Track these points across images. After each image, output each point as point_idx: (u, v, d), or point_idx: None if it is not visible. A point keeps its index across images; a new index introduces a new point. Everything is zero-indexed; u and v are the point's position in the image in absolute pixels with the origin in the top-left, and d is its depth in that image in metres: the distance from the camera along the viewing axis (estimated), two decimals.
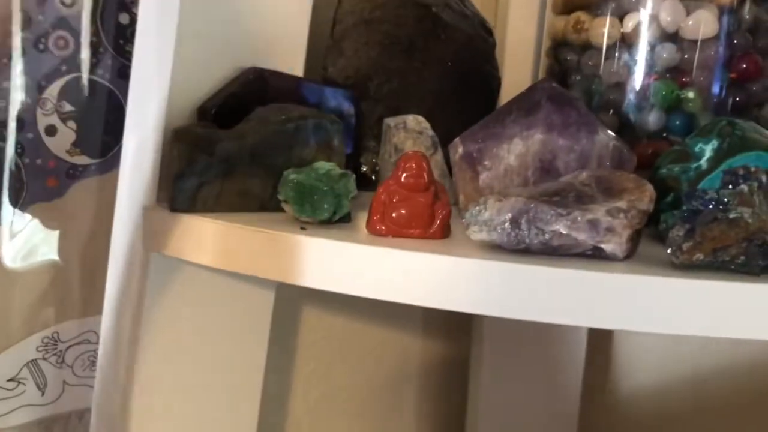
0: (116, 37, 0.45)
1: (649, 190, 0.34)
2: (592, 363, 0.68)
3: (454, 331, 0.72)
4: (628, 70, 0.48)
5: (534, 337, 0.66)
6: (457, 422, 0.71)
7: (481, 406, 0.67)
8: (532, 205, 0.32)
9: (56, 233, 0.45)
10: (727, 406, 0.67)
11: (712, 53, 0.47)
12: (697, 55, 0.47)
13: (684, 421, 0.69)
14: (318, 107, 0.46)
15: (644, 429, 0.71)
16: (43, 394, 0.45)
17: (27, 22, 0.41)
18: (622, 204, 0.33)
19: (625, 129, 0.48)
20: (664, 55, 0.47)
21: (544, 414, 0.68)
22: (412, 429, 0.71)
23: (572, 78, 0.51)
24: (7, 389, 0.43)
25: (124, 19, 0.45)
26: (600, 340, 0.69)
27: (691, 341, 0.66)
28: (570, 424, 0.67)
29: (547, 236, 0.32)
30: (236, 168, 0.39)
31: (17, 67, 0.42)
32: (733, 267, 0.32)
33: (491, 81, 0.53)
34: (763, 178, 0.32)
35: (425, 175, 0.35)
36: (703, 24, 0.46)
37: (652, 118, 0.48)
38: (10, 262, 0.43)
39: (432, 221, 0.36)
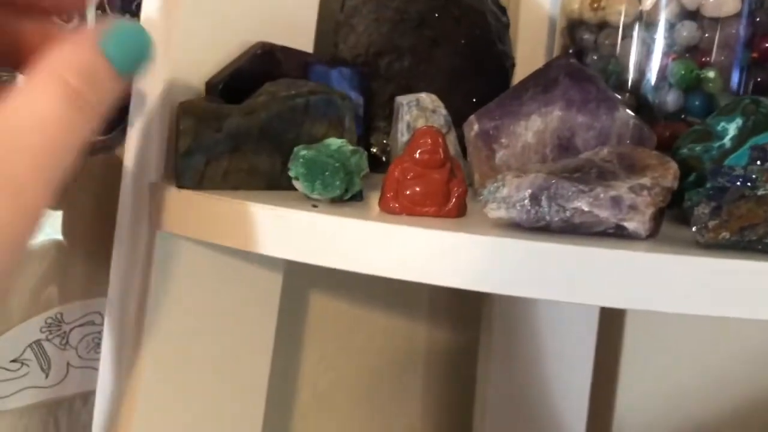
0: (122, 9, 0.44)
1: (673, 167, 0.33)
2: (602, 350, 0.67)
3: (461, 317, 0.71)
4: (647, 49, 0.47)
5: (543, 324, 0.65)
6: (464, 409, 0.70)
7: (489, 392, 0.66)
8: (553, 181, 0.31)
9: (59, 213, 0.44)
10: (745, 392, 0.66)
11: (734, 32, 0.45)
12: (717, 34, 0.46)
13: (697, 405, 0.68)
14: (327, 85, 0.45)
15: (654, 415, 0.70)
16: (47, 376, 0.44)
17: None
18: (645, 181, 0.32)
19: (643, 110, 0.47)
20: (684, 34, 0.46)
21: (553, 401, 0.67)
22: (419, 415, 0.71)
23: (588, 58, 0.50)
24: (11, 370, 0.42)
25: None
26: (611, 326, 0.68)
27: (704, 320, 0.65)
28: (580, 411, 0.66)
29: (568, 213, 0.31)
30: (244, 144, 0.38)
31: None
32: (760, 247, 0.31)
33: (504, 60, 0.52)
34: None
35: (441, 150, 0.34)
36: (725, 1, 0.45)
37: (671, 99, 0.46)
38: None
39: (448, 199, 0.34)
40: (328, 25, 0.49)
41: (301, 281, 0.56)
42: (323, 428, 0.61)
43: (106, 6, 0.44)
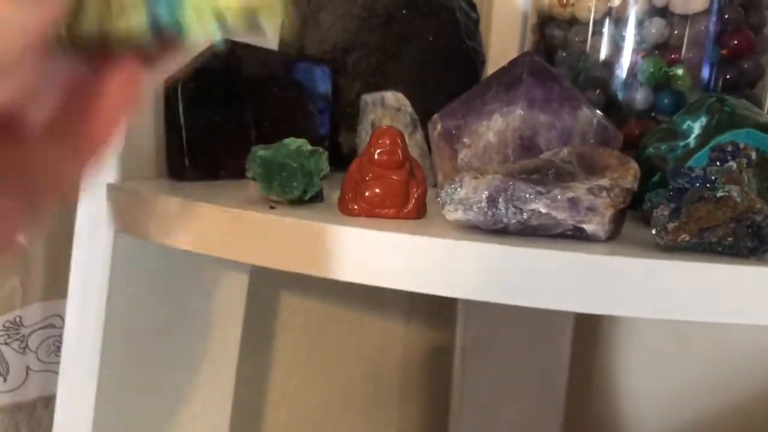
0: None
1: (634, 167, 0.32)
2: (578, 350, 0.67)
3: (438, 317, 0.71)
4: (616, 46, 0.46)
5: (519, 324, 0.64)
6: (441, 409, 0.69)
7: (465, 392, 0.66)
8: (510, 182, 0.30)
9: None
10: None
11: (703, 28, 0.45)
12: (687, 31, 0.45)
13: (674, 406, 0.68)
14: (310, 91, 0.45)
15: (631, 417, 0.70)
16: (5, 380, 0.43)
17: None
18: (604, 182, 0.31)
19: (612, 107, 0.46)
20: (653, 31, 0.45)
21: (529, 401, 0.67)
22: (395, 416, 0.70)
23: (559, 55, 0.49)
24: None
25: None
26: (587, 326, 0.68)
27: (691, 327, 0.65)
28: (556, 410, 0.66)
29: (525, 215, 0.30)
30: None
31: None
32: (720, 249, 0.30)
33: (474, 57, 0.51)
34: (753, 155, 0.31)
35: (399, 151, 0.34)
36: None
37: (640, 96, 0.46)
38: None
39: (407, 200, 0.34)
40: (293, 22, 0.48)
41: (272, 279, 0.55)
42: (293, 429, 0.60)
43: None
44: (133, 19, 0.20)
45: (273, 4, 0.21)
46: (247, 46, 0.42)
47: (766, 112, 0.49)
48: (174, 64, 0.41)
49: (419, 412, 0.72)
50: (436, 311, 0.71)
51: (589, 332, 0.68)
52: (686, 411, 0.66)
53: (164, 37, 0.21)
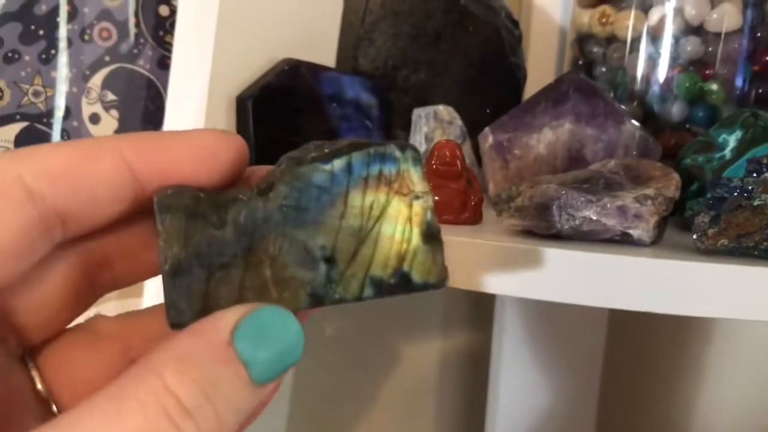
0: (156, 28, 0.46)
1: (676, 177, 0.35)
2: (611, 355, 0.69)
3: (475, 325, 0.73)
4: (653, 62, 0.49)
5: (554, 330, 0.67)
6: (477, 416, 0.72)
7: (501, 398, 0.68)
8: (563, 191, 0.33)
9: None
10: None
11: (736, 46, 0.48)
12: (720, 48, 0.48)
13: (707, 406, 0.70)
14: (337, 97, 0.47)
15: (662, 420, 0.72)
16: None
17: (73, 14, 0.43)
18: (649, 191, 0.34)
19: (649, 120, 0.49)
20: (688, 48, 0.48)
21: (563, 407, 0.69)
22: (431, 423, 0.72)
23: (597, 70, 0.52)
24: None
25: (163, 11, 0.46)
26: (619, 331, 0.70)
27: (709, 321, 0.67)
28: (590, 410, 0.68)
29: (577, 222, 0.33)
30: (262, 241, 0.23)
31: (63, 57, 0.43)
32: (756, 253, 0.33)
33: (517, 72, 0.54)
34: None
35: (458, 162, 0.37)
36: (727, 17, 0.47)
37: (676, 110, 0.49)
38: None
39: (464, 207, 0.37)
40: (348, 40, 0.51)
41: None
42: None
43: (141, 24, 0.46)
44: (293, 298, 0.22)
45: (425, 260, 0.23)
46: (308, 64, 0.46)
47: None
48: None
49: (456, 416, 0.75)
50: (472, 319, 0.73)
51: (622, 333, 0.71)
52: (722, 410, 0.68)
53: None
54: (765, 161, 0.33)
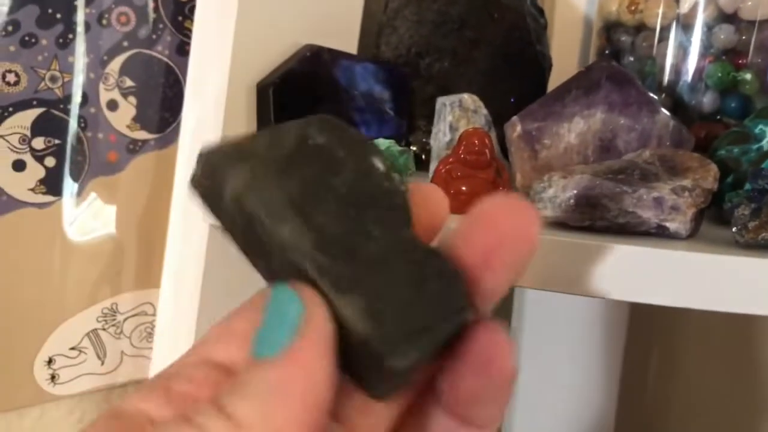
0: (175, 13, 0.45)
1: (713, 169, 0.34)
2: (632, 350, 0.68)
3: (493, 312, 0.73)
4: (683, 51, 0.48)
5: (574, 319, 0.66)
6: None
7: (520, 385, 0.67)
8: (598, 182, 0.32)
9: (114, 207, 0.46)
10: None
11: None
12: (754, 37, 0.46)
13: (722, 409, 0.68)
14: (348, 90, 0.46)
15: (682, 418, 0.71)
16: (102, 363, 0.46)
17: None
18: (686, 182, 0.33)
19: (679, 110, 0.48)
20: (722, 37, 0.46)
21: (582, 403, 0.68)
22: None
23: (625, 59, 0.51)
24: (70, 357, 0.44)
25: None
26: (640, 326, 0.69)
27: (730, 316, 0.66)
28: (610, 403, 0.67)
29: (612, 213, 0.32)
30: None
31: (81, 42, 0.42)
32: None
33: (542, 61, 0.53)
34: None
35: (487, 152, 0.36)
36: (763, 4, 0.46)
37: (707, 100, 0.47)
38: (71, 236, 0.45)
39: None
40: (371, 27, 0.50)
41: None
42: None
43: (160, 9, 0.45)
44: None
45: None
46: (330, 51, 0.45)
47: None
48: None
49: None
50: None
51: (644, 327, 0.69)
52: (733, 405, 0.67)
53: None
54: None
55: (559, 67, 0.56)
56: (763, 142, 0.38)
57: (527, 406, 0.68)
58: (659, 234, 0.33)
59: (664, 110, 0.39)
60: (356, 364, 0.19)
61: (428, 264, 0.20)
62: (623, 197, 0.32)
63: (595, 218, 0.32)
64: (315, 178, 0.20)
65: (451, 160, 0.36)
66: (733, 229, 0.32)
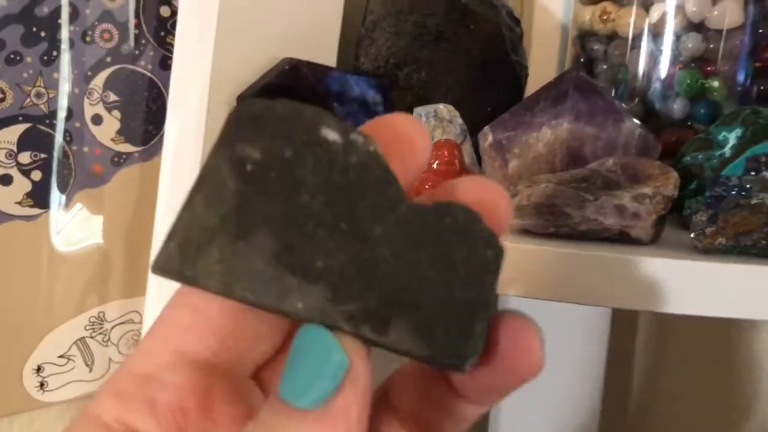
0: (157, 29, 0.47)
1: (674, 176, 0.35)
2: (615, 353, 0.69)
3: None
4: (654, 59, 0.49)
5: (555, 330, 0.67)
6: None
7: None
8: (561, 190, 0.33)
9: (100, 218, 0.47)
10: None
11: (737, 43, 0.48)
12: (722, 45, 0.48)
13: (711, 403, 0.70)
14: (341, 95, 0.47)
15: (666, 420, 0.72)
16: (90, 370, 0.47)
17: (74, 16, 0.43)
18: (647, 190, 0.34)
19: (650, 117, 0.49)
20: (690, 45, 0.48)
21: (566, 406, 0.69)
22: None
23: (599, 67, 0.52)
24: (59, 365, 0.46)
25: (164, 11, 0.47)
26: (622, 331, 0.70)
27: (712, 321, 0.67)
28: (594, 404, 0.69)
29: (575, 221, 0.33)
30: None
31: (65, 58, 0.44)
32: (755, 251, 0.33)
33: (518, 70, 0.54)
34: None
35: (457, 162, 0.37)
36: (729, 14, 0.47)
37: (677, 107, 0.49)
38: (58, 246, 0.46)
39: None
40: (350, 39, 0.51)
41: None
42: None
43: (143, 25, 0.47)
44: None
45: None
46: (309, 64, 0.46)
47: None
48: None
49: None
50: None
51: (625, 333, 0.71)
52: (716, 409, 0.68)
53: None
54: (764, 159, 0.33)
55: (538, 76, 0.57)
56: (725, 149, 0.40)
57: (512, 411, 0.69)
58: (622, 240, 0.34)
59: (630, 119, 0.40)
60: (426, 363, 0.18)
61: (442, 231, 0.18)
62: (585, 205, 0.33)
63: (559, 225, 0.34)
64: (281, 214, 0.17)
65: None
66: (692, 235, 0.33)
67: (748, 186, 0.33)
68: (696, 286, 0.32)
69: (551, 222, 0.34)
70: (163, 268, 0.18)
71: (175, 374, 0.19)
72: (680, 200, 0.36)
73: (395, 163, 0.18)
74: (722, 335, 0.69)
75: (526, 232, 0.34)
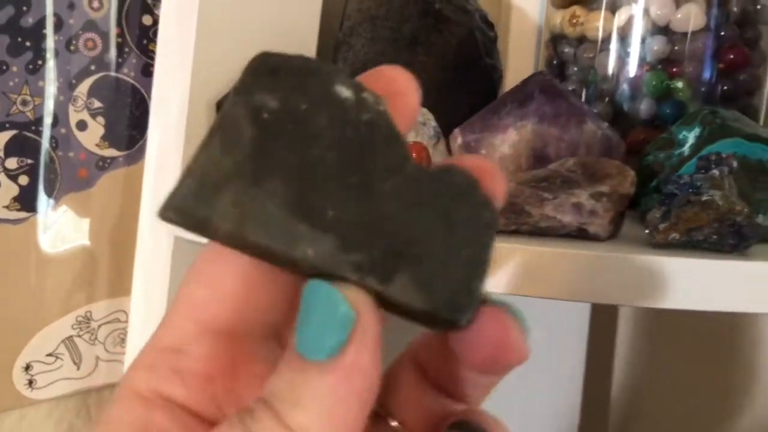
0: (140, 37, 0.48)
1: (631, 175, 0.37)
2: (595, 342, 0.71)
3: None
4: (622, 62, 0.51)
5: (538, 318, 0.68)
6: None
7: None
8: (522, 190, 0.35)
9: (87, 220, 0.49)
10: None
11: (701, 45, 0.49)
12: (686, 47, 0.49)
13: (686, 403, 0.71)
14: None
15: (645, 412, 0.73)
16: (78, 368, 0.49)
17: (59, 26, 0.45)
18: (604, 188, 0.36)
19: (619, 117, 0.51)
20: (655, 48, 0.49)
21: (548, 399, 0.71)
22: None
23: (570, 69, 0.54)
24: (47, 363, 0.47)
25: (147, 20, 0.48)
26: (603, 320, 0.72)
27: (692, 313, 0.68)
28: (572, 417, 0.70)
29: (535, 219, 0.35)
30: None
31: (50, 67, 0.45)
32: (706, 246, 0.35)
33: (492, 73, 0.56)
34: (734, 164, 0.35)
35: (425, 164, 0.38)
36: (692, 17, 0.49)
37: (644, 107, 0.50)
38: (46, 248, 0.47)
39: None
40: (327, 45, 0.53)
41: None
42: None
43: (126, 33, 0.48)
44: None
45: None
46: None
47: (763, 119, 0.53)
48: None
49: None
50: None
51: (607, 324, 0.72)
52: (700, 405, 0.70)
53: None
54: (713, 158, 0.35)
55: (515, 78, 0.59)
56: (685, 148, 0.41)
57: (491, 406, 0.71)
58: (580, 236, 0.36)
59: (593, 120, 0.42)
60: (425, 322, 0.19)
61: (445, 191, 0.19)
62: (544, 203, 0.35)
63: (520, 223, 0.35)
64: (295, 163, 0.18)
65: None
66: (646, 231, 0.35)
67: (698, 184, 0.34)
68: (648, 279, 0.33)
69: (512, 220, 0.35)
70: (177, 207, 0.18)
71: (199, 345, 0.20)
72: (643, 197, 0.38)
73: (397, 118, 0.20)
74: (703, 332, 0.70)
75: None
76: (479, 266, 0.19)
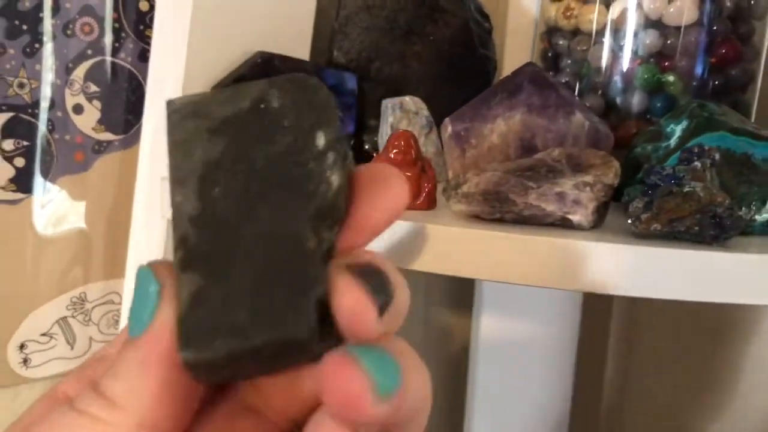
0: (137, 22, 0.49)
1: (615, 165, 0.37)
2: (587, 341, 0.71)
3: (455, 298, 0.76)
4: (615, 55, 0.51)
5: (530, 305, 0.69)
6: (459, 386, 0.74)
7: (479, 373, 0.71)
8: (507, 179, 0.36)
9: (83, 203, 0.50)
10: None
11: (693, 39, 0.49)
12: (679, 41, 0.50)
13: (690, 390, 0.72)
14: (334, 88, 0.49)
15: (638, 406, 0.74)
16: (72, 348, 0.49)
17: (56, 10, 0.45)
18: (588, 178, 0.36)
19: (612, 110, 0.51)
20: (647, 41, 0.50)
21: (538, 383, 0.71)
22: None
23: (563, 61, 0.54)
24: (41, 343, 0.48)
25: (143, 6, 0.49)
26: (596, 310, 0.72)
27: (686, 305, 0.69)
28: (564, 405, 0.71)
29: (519, 207, 0.36)
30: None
31: (47, 51, 0.46)
32: (687, 236, 0.35)
33: (487, 63, 0.56)
34: (716, 156, 0.35)
35: (412, 152, 0.39)
36: (685, 11, 0.49)
37: (636, 100, 0.51)
38: (41, 229, 0.48)
39: (419, 193, 0.39)
40: (323, 33, 0.54)
41: None
42: None
43: (123, 19, 0.49)
44: None
45: None
46: (282, 57, 0.48)
47: (755, 114, 0.53)
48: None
49: (437, 388, 0.77)
50: (453, 294, 0.76)
51: (599, 314, 0.73)
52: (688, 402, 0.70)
53: None
54: (696, 151, 0.35)
55: (513, 68, 0.59)
56: (671, 140, 0.42)
57: (487, 396, 0.71)
58: (564, 225, 0.36)
59: (582, 112, 0.43)
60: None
61: (294, 272, 0.18)
62: (528, 192, 0.35)
63: (504, 212, 0.36)
64: (240, 146, 0.19)
65: (381, 159, 0.40)
66: (629, 221, 0.35)
67: (681, 175, 0.35)
68: (631, 269, 0.34)
69: (497, 208, 0.36)
70: (171, 112, 0.20)
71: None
72: (628, 188, 0.38)
73: (369, 197, 0.20)
74: (694, 326, 0.71)
75: (475, 217, 0.37)
76: (239, 343, 0.18)
